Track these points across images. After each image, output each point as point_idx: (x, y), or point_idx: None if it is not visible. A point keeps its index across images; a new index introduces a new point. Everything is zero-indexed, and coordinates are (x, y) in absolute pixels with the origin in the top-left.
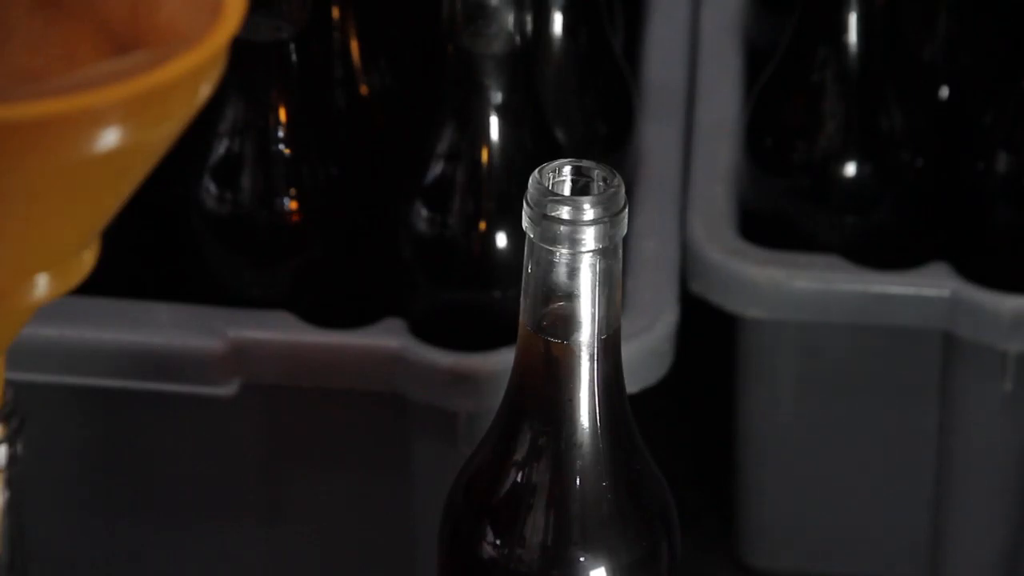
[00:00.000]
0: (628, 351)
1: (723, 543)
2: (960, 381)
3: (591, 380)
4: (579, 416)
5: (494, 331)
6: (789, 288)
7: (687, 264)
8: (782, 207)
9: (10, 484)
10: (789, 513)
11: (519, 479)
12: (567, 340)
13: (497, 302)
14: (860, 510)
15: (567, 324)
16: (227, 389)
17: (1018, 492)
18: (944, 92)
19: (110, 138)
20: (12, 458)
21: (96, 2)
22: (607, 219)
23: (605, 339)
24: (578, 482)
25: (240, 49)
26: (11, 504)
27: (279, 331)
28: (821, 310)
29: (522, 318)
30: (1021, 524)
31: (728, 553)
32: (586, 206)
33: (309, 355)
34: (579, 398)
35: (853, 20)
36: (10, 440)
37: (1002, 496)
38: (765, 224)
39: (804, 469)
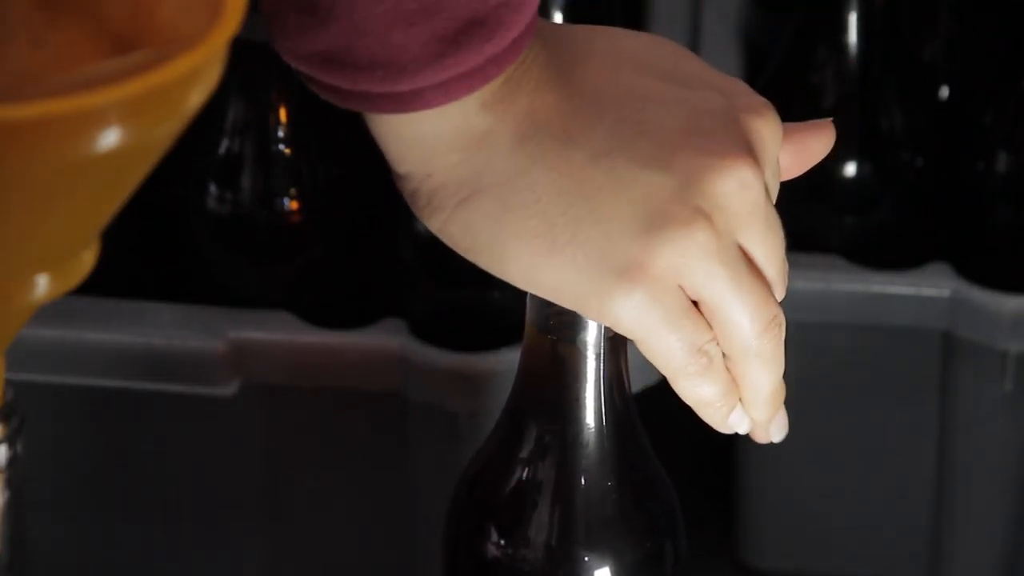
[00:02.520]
0: (629, 351)
1: (723, 544)
2: (960, 381)
3: (597, 380)
4: (585, 416)
5: (494, 331)
6: (789, 288)
7: None
8: (782, 207)
9: (10, 484)
10: (789, 513)
11: (525, 478)
12: (574, 339)
13: (497, 302)
14: (860, 510)
15: (573, 324)
16: (227, 389)
17: (1018, 492)
18: (944, 92)
19: (110, 138)
20: (12, 458)
21: (96, 2)
22: None
23: (612, 338)
24: (584, 481)
25: (240, 49)
26: (11, 504)
27: (279, 331)
28: (821, 310)
29: (528, 317)
30: (1021, 524)
31: (728, 553)
32: None
33: (309, 355)
34: (585, 398)
35: (853, 20)
36: (10, 440)
37: (1002, 496)
38: None
39: (804, 469)
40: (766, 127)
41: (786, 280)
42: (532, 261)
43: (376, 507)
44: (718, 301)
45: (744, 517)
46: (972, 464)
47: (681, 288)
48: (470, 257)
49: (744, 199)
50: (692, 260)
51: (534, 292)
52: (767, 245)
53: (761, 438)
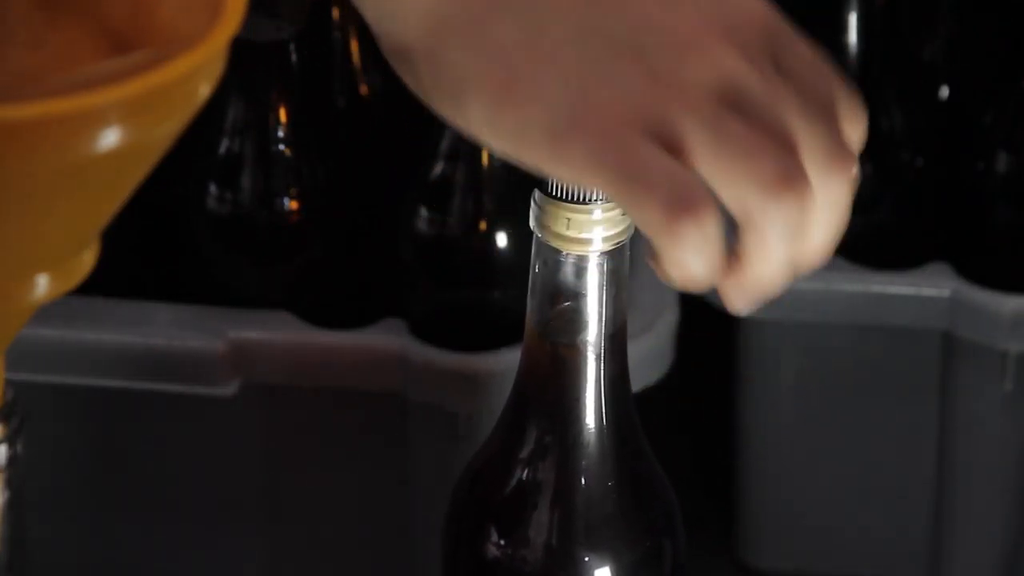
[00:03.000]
0: (628, 351)
1: (723, 543)
2: (960, 381)
3: (597, 380)
4: (585, 416)
5: (494, 331)
6: (789, 288)
7: None
8: None
9: (10, 484)
10: (789, 513)
11: (525, 478)
12: (574, 340)
13: (497, 302)
14: (860, 510)
15: (574, 324)
16: (227, 389)
17: (1018, 492)
18: (944, 92)
19: (110, 138)
20: (12, 458)
21: (96, 2)
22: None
23: (612, 339)
24: (583, 481)
25: (240, 49)
26: (11, 504)
27: (279, 331)
28: (821, 310)
29: (528, 318)
30: (1021, 524)
31: (728, 553)
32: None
33: (309, 355)
34: (585, 398)
35: (853, 20)
36: (10, 440)
37: (1002, 496)
38: None
39: (804, 469)
40: (756, 26)
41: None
42: (493, 102)
43: (376, 507)
44: (698, 152)
45: (744, 517)
46: (972, 464)
47: (654, 138)
48: (435, 105)
49: (706, 78)
50: (653, 103)
51: (494, 139)
52: (764, 100)
53: (733, 301)
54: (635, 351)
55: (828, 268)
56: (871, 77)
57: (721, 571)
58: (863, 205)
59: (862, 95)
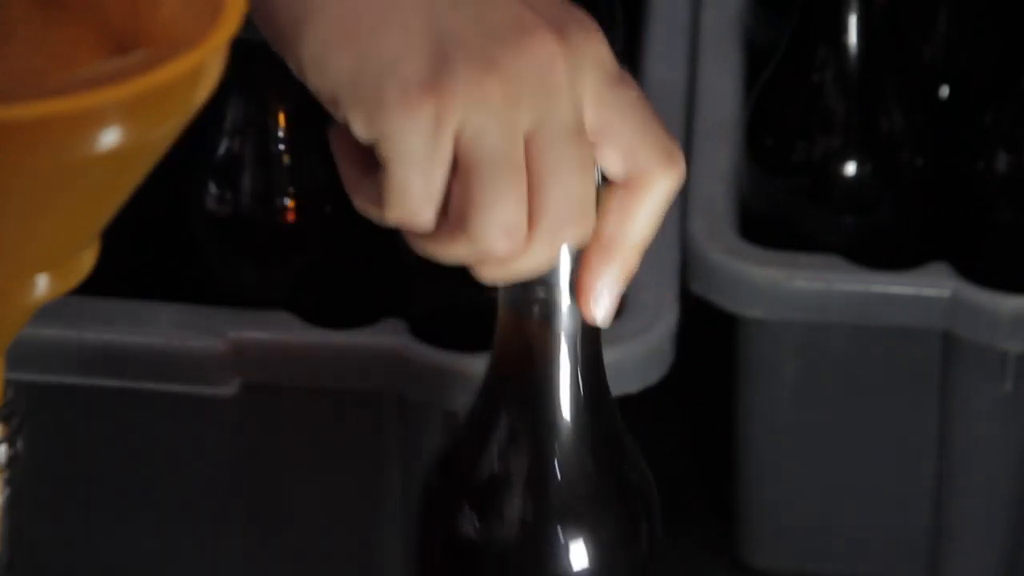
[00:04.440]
0: (628, 351)
1: (723, 543)
2: (960, 381)
3: (572, 362)
4: (559, 398)
5: (494, 331)
6: (789, 288)
7: (687, 264)
8: (782, 207)
9: (10, 484)
10: (789, 513)
11: (497, 458)
12: (548, 322)
13: (497, 302)
14: (860, 510)
15: (548, 306)
16: (227, 389)
17: (1018, 492)
18: (944, 92)
19: (110, 138)
20: (12, 458)
21: (96, 2)
22: None
23: (583, 320)
24: (556, 462)
25: (240, 49)
26: (11, 504)
27: (279, 331)
28: (821, 310)
29: (502, 300)
30: (1021, 524)
31: (728, 553)
32: None
33: (309, 355)
34: (559, 380)
35: (853, 20)
36: (10, 440)
37: (1002, 496)
38: (765, 224)
39: (804, 469)
40: (589, 46)
41: (569, 224)
42: (327, 43)
43: (376, 507)
44: (474, 170)
45: (744, 517)
46: (972, 464)
47: (451, 138)
48: (278, 46)
49: (544, 80)
50: (472, 109)
51: (315, 80)
52: (555, 161)
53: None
54: (635, 351)
55: (828, 268)
56: (871, 77)
57: (721, 571)
58: (863, 205)
59: (862, 95)
